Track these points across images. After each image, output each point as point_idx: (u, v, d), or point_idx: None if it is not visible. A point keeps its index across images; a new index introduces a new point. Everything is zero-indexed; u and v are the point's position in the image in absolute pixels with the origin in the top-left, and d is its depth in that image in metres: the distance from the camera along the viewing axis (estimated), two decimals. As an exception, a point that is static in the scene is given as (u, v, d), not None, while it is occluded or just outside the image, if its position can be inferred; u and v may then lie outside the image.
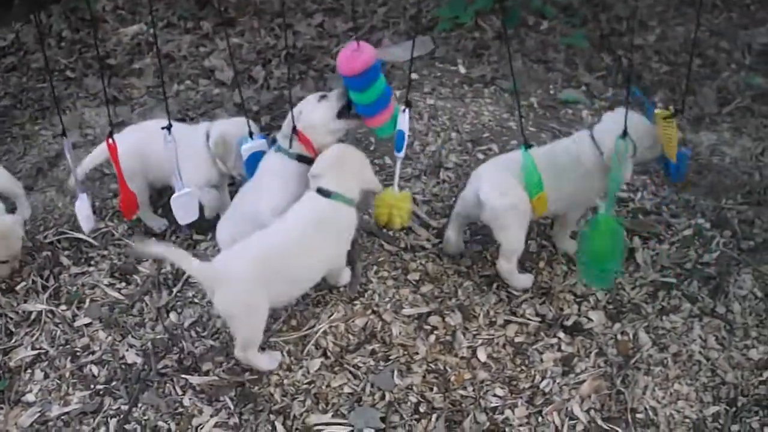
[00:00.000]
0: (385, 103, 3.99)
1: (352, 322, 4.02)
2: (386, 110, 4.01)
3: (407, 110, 4.04)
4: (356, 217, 3.97)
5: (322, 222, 3.83)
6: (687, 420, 3.71)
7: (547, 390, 3.80)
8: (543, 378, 3.85)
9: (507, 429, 3.64)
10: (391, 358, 3.90)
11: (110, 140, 4.04)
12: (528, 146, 3.97)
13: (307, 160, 4.01)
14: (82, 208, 4.12)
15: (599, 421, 3.68)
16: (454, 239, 4.31)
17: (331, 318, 4.02)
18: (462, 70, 5.94)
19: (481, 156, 5.02)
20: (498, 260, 4.15)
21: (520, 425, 3.66)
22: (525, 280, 4.23)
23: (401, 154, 4.10)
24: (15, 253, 4.25)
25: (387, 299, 4.14)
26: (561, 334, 4.03)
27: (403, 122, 4.04)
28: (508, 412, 3.71)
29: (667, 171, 4.18)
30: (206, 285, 3.70)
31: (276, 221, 3.86)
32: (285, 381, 3.79)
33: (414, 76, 5.75)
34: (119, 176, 4.12)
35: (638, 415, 3.72)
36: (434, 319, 4.07)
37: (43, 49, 4.69)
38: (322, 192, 3.85)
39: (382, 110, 3.99)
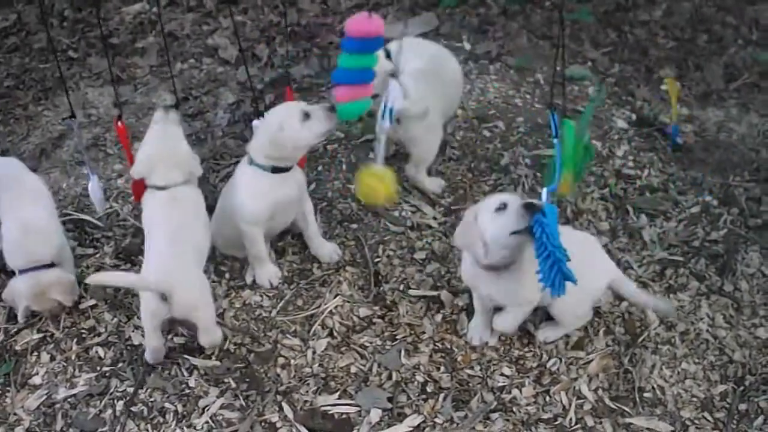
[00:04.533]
0: (366, 79, 3.86)
1: (358, 307, 4.02)
2: (362, 87, 3.87)
3: None
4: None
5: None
6: (694, 399, 3.71)
7: (554, 369, 3.79)
8: (550, 357, 3.84)
9: (514, 408, 3.64)
10: (397, 337, 3.89)
11: (119, 122, 4.03)
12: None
13: (281, 170, 3.91)
14: (95, 189, 4.11)
15: (607, 400, 3.68)
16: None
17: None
18: (467, 46, 5.89)
19: (487, 133, 4.99)
20: None
21: (528, 405, 3.66)
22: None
23: (387, 125, 3.94)
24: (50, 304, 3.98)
25: (393, 278, 4.13)
26: (568, 313, 4.02)
27: None
28: (515, 392, 3.71)
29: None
30: None
31: None
32: (291, 362, 3.79)
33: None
34: (128, 157, 4.10)
35: (646, 394, 3.71)
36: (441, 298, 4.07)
37: (47, 29, 4.65)
38: (159, 188, 3.79)
39: (359, 84, 3.86)
